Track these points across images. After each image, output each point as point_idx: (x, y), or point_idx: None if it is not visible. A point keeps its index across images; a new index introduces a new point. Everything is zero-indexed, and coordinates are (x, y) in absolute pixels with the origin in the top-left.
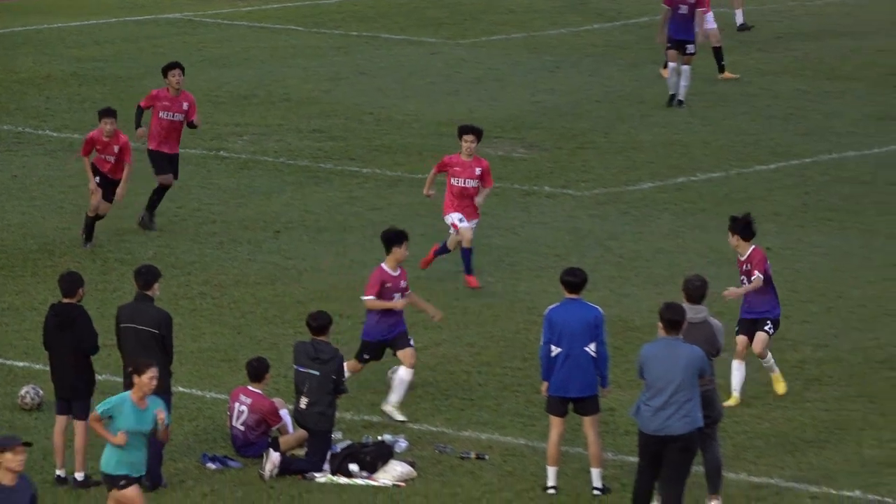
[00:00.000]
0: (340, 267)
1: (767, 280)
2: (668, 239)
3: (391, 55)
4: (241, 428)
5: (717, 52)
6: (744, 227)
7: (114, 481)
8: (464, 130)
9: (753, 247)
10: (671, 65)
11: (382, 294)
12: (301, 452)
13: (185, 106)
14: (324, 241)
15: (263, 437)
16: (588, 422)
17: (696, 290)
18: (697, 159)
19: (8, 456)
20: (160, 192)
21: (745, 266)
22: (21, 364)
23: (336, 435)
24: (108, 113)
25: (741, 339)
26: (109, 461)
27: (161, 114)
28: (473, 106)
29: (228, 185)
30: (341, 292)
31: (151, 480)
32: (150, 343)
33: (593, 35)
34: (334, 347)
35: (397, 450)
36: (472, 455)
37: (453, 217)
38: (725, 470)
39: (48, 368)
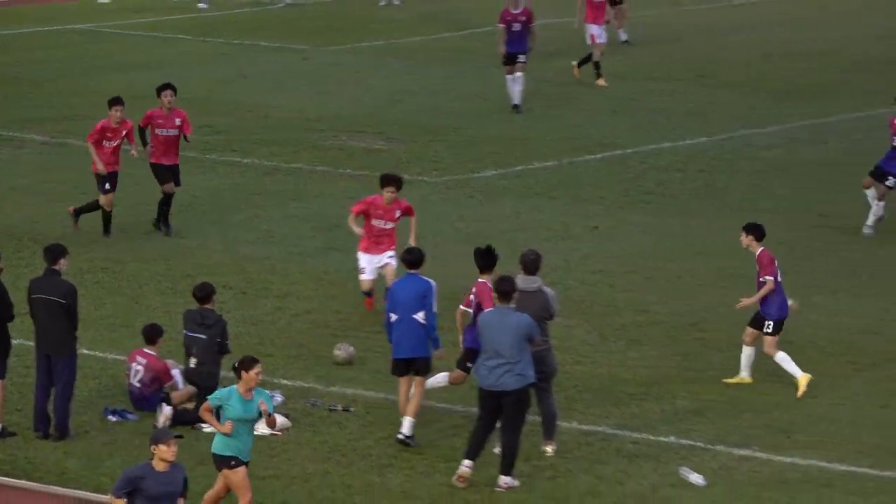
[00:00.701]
0: (224, 244)
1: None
2: (509, 219)
3: (269, 60)
4: (138, 385)
5: (597, 64)
6: (756, 228)
7: (225, 461)
8: (385, 181)
9: (762, 248)
10: (508, 77)
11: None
12: (190, 406)
13: (177, 122)
14: (209, 222)
15: (157, 393)
16: (417, 380)
17: (531, 263)
18: (535, 150)
19: (162, 448)
20: (166, 200)
21: (756, 266)
22: None
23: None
24: (117, 101)
25: (748, 330)
26: (219, 445)
27: (157, 131)
28: (341, 105)
29: (128, 174)
30: (225, 267)
31: (59, 431)
32: (58, 311)
33: (444, 42)
34: (218, 314)
35: (274, 403)
36: (339, 408)
37: (362, 260)
38: (559, 419)
39: None
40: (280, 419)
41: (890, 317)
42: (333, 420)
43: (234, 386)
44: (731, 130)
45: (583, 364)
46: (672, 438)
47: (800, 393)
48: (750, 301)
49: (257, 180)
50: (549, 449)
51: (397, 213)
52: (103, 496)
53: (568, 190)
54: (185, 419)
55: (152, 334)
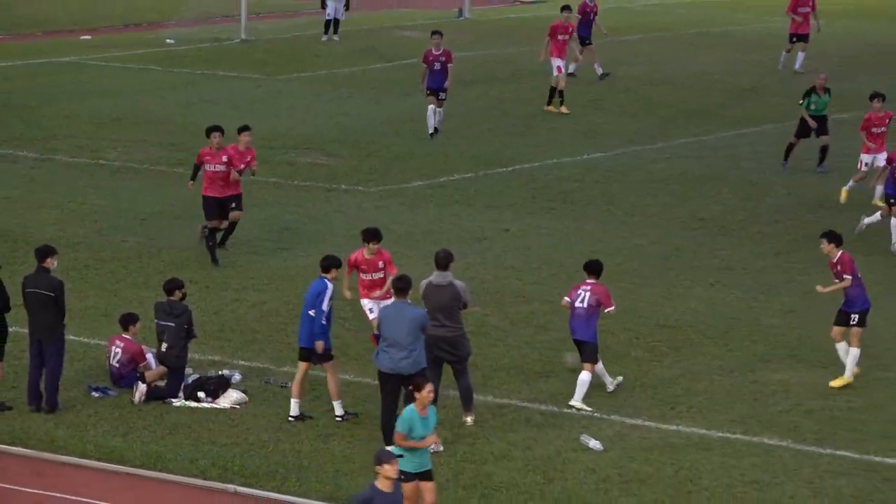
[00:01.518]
0: (191, 245)
1: (856, 279)
2: (434, 223)
3: (227, 88)
4: (117, 365)
5: (560, 93)
6: (835, 237)
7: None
8: (367, 237)
9: (841, 251)
10: (430, 107)
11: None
12: (162, 384)
13: (224, 158)
14: (179, 226)
15: (133, 372)
16: (325, 367)
17: (443, 260)
18: (455, 164)
19: (387, 468)
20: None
21: (836, 268)
22: None
23: (188, 370)
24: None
25: (835, 329)
26: (408, 464)
27: (207, 167)
28: (289, 126)
29: (107, 185)
30: (192, 263)
31: (49, 405)
32: (47, 303)
33: (377, 72)
34: (184, 305)
35: (234, 381)
36: (290, 385)
37: (367, 305)
38: (476, 394)
39: None
40: (238, 394)
41: (759, 304)
42: (285, 395)
43: (412, 407)
44: (622, 147)
45: (497, 347)
46: (574, 410)
47: (836, 385)
48: (827, 289)
49: None
50: (468, 419)
51: (380, 265)
52: (88, 461)
53: (483, 198)
54: (158, 394)
55: (127, 322)
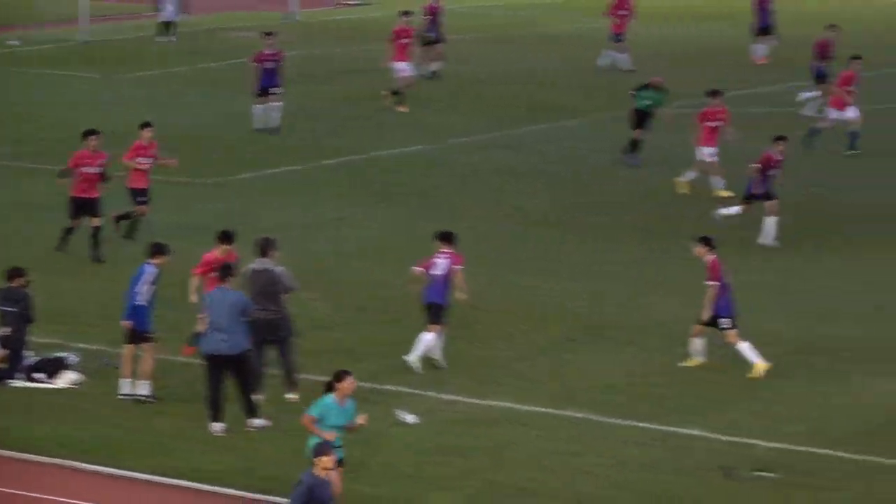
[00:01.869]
0: (39, 239)
1: (721, 286)
2: (265, 213)
3: (69, 86)
4: None
5: (401, 93)
6: (706, 241)
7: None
8: (221, 239)
9: (712, 257)
10: (259, 106)
11: None
12: (4, 365)
13: (99, 162)
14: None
15: None
16: (143, 347)
17: (263, 246)
18: (282, 157)
19: (325, 459)
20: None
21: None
22: None
23: (28, 353)
24: (147, 125)
25: (697, 327)
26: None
27: (81, 168)
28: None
29: None
30: (36, 251)
31: None
32: None
33: (210, 71)
34: (24, 291)
35: (70, 362)
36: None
37: None
38: (302, 373)
39: None
40: (74, 375)
41: (568, 289)
42: (118, 375)
43: (330, 396)
44: (442, 141)
45: (321, 329)
46: (391, 386)
47: (753, 375)
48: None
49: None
50: (293, 396)
51: None
52: None
53: (309, 189)
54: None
55: None
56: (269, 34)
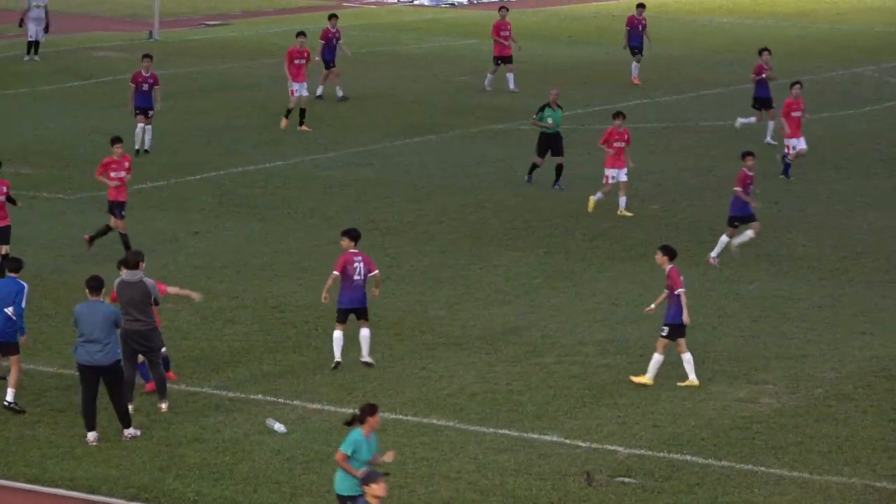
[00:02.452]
0: None
1: (672, 294)
2: (130, 227)
3: None
4: None
5: (297, 111)
6: (669, 250)
7: (351, 501)
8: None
9: (671, 266)
10: (139, 125)
11: None
12: None
13: (3, 189)
14: None
15: None
16: (12, 360)
17: (132, 259)
18: (148, 172)
19: (374, 487)
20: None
21: (667, 281)
22: None
23: None
24: (118, 140)
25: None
26: (343, 485)
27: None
28: None
29: None
30: None
31: None
32: None
33: (75, 89)
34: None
35: None
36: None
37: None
38: (169, 383)
39: None
40: None
41: (426, 298)
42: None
43: (359, 432)
44: (301, 156)
45: (188, 339)
46: (259, 396)
47: (637, 381)
48: (652, 307)
49: None
50: (163, 406)
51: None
52: None
53: (174, 203)
54: None
55: None
56: (146, 56)
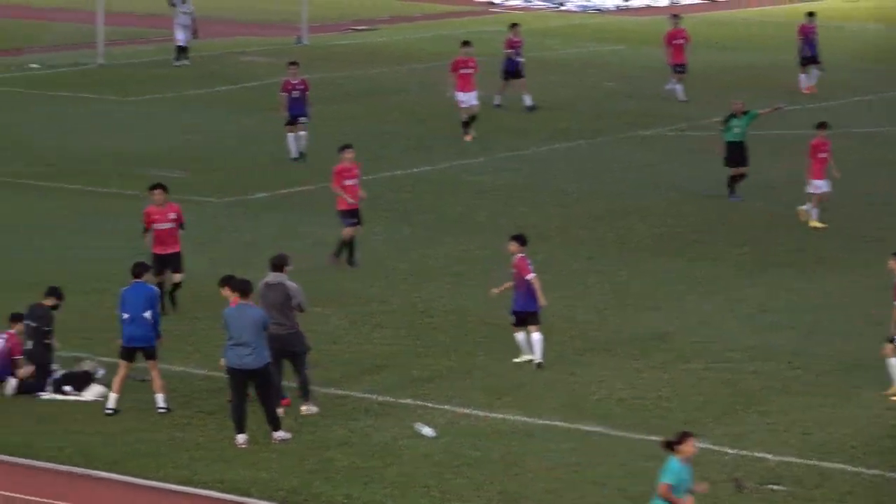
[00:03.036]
0: (56, 254)
1: (522, 281)
2: (277, 230)
3: (87, 109)
4: None
5: (470, 120)
6: (518, 238)
7: None
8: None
9: (521, 255)
10: (290, 135)
11: None
12: (30, 380)
13: (171, 216)
14: (42, 236)
15: (6, 368)
16: (151, 364)
17: (277, 262)
18: (295, 177)
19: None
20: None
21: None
22: None
23: (55, 366)
24: (348, 147)
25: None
26: None
27: (154, 225)
28: (144, 143)
29: None
30: (71, 268)
31: None
32: None
33: (222, 94)
34: (46, 308)
35: (97, 376)
36: (149, 379)
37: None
38: (318, 386)
39: None
40: (101, 388)
41: (575, 303)
42: (145, 388)
43: (675, 460)
44: (449, 161)
45: (338, 343)
46: (409, 400)
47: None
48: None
49: (81, 202)
50: (305, 409)
51: None
52: None
53: (322, 208)
54: (28, 389)
55: (14, 319)
56: (293, 64)
